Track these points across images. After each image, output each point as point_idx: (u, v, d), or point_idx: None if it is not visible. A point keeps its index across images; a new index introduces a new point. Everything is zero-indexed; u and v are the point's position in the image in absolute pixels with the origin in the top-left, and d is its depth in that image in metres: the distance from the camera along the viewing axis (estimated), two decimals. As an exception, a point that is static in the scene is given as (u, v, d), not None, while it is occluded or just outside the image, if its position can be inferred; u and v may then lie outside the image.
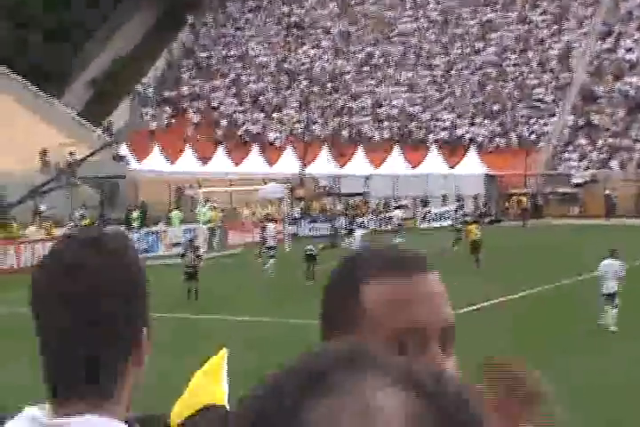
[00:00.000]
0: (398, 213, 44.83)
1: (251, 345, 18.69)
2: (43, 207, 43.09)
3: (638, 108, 57.56)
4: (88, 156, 48.26)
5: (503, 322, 20.86)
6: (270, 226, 32.74)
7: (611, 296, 19.66)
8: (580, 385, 14.27)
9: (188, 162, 57.72)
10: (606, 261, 19.92)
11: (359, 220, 45.00)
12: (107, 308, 1.54)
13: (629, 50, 62.17)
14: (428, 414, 0.88)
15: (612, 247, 20.39)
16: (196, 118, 67.99)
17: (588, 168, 54.62)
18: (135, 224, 42.42)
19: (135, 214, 43.43)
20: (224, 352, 2.71)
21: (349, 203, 50.68)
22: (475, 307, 22.35)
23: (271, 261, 30.49)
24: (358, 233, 29.90)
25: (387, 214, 46.47)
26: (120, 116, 68.84)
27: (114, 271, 1.56)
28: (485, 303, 23.57)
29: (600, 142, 56.14)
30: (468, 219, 38.15)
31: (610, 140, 56.12)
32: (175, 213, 43.08)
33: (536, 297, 24.67)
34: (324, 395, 0.86)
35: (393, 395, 0.88)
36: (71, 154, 49.73)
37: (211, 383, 2.58)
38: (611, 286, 19.62)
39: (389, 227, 43.87)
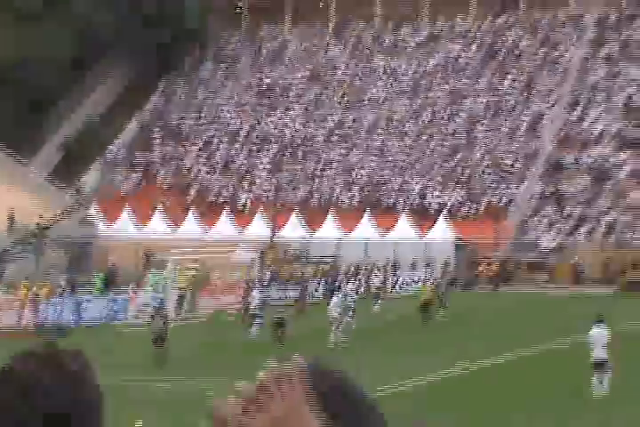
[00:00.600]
0: (377, 279, 45.71)
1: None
2: (7, 272, 43.41)
3: (604, 177, 58.99)
4: (57, 219, 48.82)
5: (466, 393, 21.40)
6: (254, 293, 33.06)
7: (601, 364, 19.98)
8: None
9: (158, 226, 58.25)
10: (594, 330, 20.22)
11: (336, 284, 45.46)
12: None
13: (596, 120, 63.85)
14: None
15: (576, 316, 21.02)
16: (166, 182, 68.66)
17: (555, 236, 55.68)
18: (97, 289, 42.65)
19: (98, 280, 43.69)
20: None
21: (320, 268, 51.26)
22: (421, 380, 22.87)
23: (255, 328, 30.87)
24: (335, 299, 30.52)
25: (363, 280, 47.12)
26: (90, 179, 69.45)
27: (71, 393, 1.53)
28: (456, 371, 24.10)
29: (567, 211, 57.33)
30: (437, 284, 38.89)
31: (577, 208, 57.33)
32: (152, 276, 43.62)
33: (504, 366, 25.24)
34: None
35: None
36: (40, 217, 50.28)
37: None
38: (600, 353, 19.86)
39: (365, 293, 44.37)
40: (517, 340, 29.01)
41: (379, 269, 50.59)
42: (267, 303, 33.20)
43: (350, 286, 34.16)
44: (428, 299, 33.86)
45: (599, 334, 19.94)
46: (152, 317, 28.52)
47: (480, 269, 53.62)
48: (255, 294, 32.84)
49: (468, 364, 25.03)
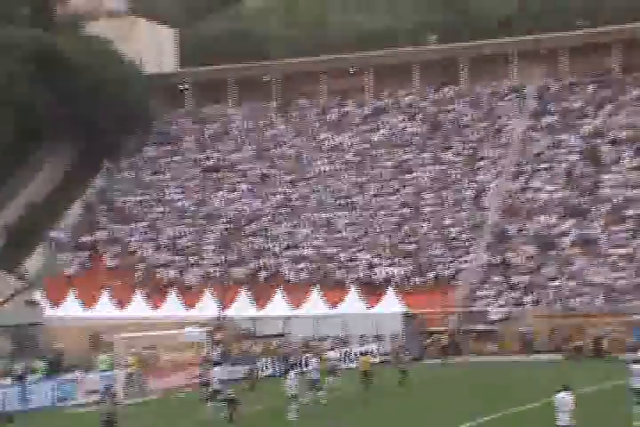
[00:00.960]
0: (333, 354, 45.99)
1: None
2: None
3: (549, 246, 60.09)
4: (1, 303, 48.63)
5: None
6: (216, 369, 33.07)
7: None
8: None
9: (104, 307, 58.10)
10: (560, 395, 20.91)
11: (291, 360, 45.57)
12: None
13: (539, 190, 65.25)
14: None
15: (529, 383, 21.46)
16: (112, 263, 68.69)
17: (503, 305, 56.43)
18: (42, 373, 42.37)
19: (40, 365, 43.45)
20: None
21: (272, 344, 51.32)
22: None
23: (220, 404, 30.84)
24: (292, 375, 30.77)
25: (320, 355, 47.42)
26: (34, 261, 69.29)
27: None
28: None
29: (514, 280, 58.21)
30: (387, 358, 39.37)
31: (523, 277, 58.25)
32: (102, 358, 43.56)
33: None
34: None
35: None
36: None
37: None
38: (565, 418, 20.60)
39: (322, 368, 44.61)
40: (474, 409, 29.37)
41: (332, 344, 50.91)
42: (228, 380, 33.39)
43: (314, 360, 34.43)
44: (366, 369, 35.58)
45: (565, 400, 20.72)
46: (101, 398, 28.48)
47: (429, 340, 54.02)
48: (217, 369, 32.78)
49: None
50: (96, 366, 42.87)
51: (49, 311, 55.82)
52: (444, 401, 32.37)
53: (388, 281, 59.61)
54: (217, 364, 43.46)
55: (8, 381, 39.62)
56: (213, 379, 32.15)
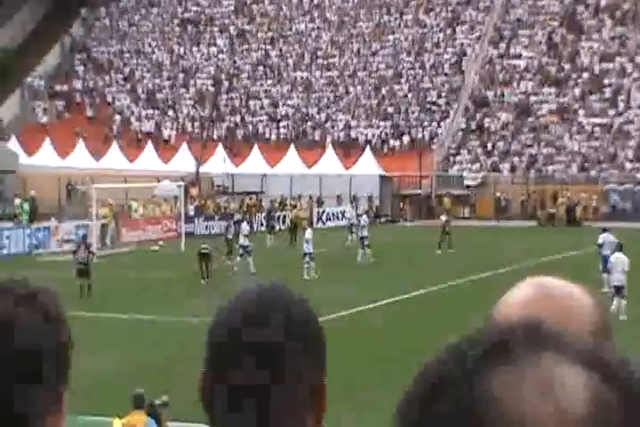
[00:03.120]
0: (349, 208, 45.10)
1: (151, 343, 18.34)
2: None
3: (526, 113, 58.71)
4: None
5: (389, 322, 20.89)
6: (244, 225, 31.83)
7: (620, 288, 20.55)
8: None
9: (80, 157, 56.56)
10: (616, 255, 20.85)
11: (277, 215, 44.61)
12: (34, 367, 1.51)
13: (519, 56, 63.34)
14: (613, 400, 0.87)
15: (503, 247, 20.80)
16: (89, 112, 66.79)
17: (479, 171, 55.48)
18: (24, 217, 41.55)
19: (26, 207, 42.60)
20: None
21: (245, 201, 50.44)
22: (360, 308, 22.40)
23: (249, 259, 29.69)
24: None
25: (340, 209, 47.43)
26: (9, 109, 67.12)
27: (47, 331, 1.53)
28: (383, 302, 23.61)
29: (490, 146, 57.09)
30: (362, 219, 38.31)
31: (500, 143, 57.13)
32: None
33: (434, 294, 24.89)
34: (506, 363, 0.89)
35: (576, 374, 0.88)
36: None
37: None
38: (620, 278, 20.52)
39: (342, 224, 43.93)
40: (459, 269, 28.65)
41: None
42: (193, 235, 32.33)
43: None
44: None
45: (619, 260, 20.66)
46: (76, 248, 27.35)
47: (403, 203, 53.25)
48: (244, 226, 31.52)
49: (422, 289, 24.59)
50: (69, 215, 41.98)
51: (23, 159, 54.22)
52: (427, 262, 31.73)
53: (365, 143, 58.34)
54: (190, 218, 42.59)
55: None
56: (242, 232, 30.61)
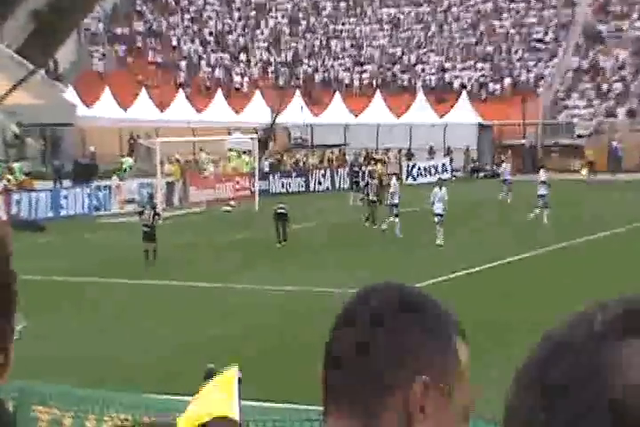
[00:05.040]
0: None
1: (222, 314, 18.58)
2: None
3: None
4: (12, 88, 47.50)
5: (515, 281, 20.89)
6: (394, 181, 31.90)
7: None
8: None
9: (143, 108, 57.30)
10: None
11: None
12: None
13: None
14: None
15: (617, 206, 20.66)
16: (152, 58, 67.51)
17: (592, 117, 55.04)
18: (125, 174, 42.90)
19: (129, 161, 44.44)
20: (235, 370, 3.34)
21: (326, 156, 50.70)
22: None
23: (396, 219, 29.83)
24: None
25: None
26: (64, 55, 67.99)
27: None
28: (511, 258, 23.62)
29: (605, 88, 56.50)
30: (458, 175, 38.17)
31: (616, 85, 56.47)
32: (126, 160, 43.47)
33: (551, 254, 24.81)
34: (636, 333, 0.93)
35: None
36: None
37: (222, 397, 3.14)
38: None
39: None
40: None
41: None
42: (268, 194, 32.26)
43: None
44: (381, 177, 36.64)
45: None
46: (142, 209, 27.64)
47: (505, 156, 52.89)
48: (394, 182, 31.49)
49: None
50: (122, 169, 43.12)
51: (82, 111, 55.07)
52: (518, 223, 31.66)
53: (460, 88, 58.18)
54: (265, 174, 42.84)
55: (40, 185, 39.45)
56: (395, 191, 30.70)
